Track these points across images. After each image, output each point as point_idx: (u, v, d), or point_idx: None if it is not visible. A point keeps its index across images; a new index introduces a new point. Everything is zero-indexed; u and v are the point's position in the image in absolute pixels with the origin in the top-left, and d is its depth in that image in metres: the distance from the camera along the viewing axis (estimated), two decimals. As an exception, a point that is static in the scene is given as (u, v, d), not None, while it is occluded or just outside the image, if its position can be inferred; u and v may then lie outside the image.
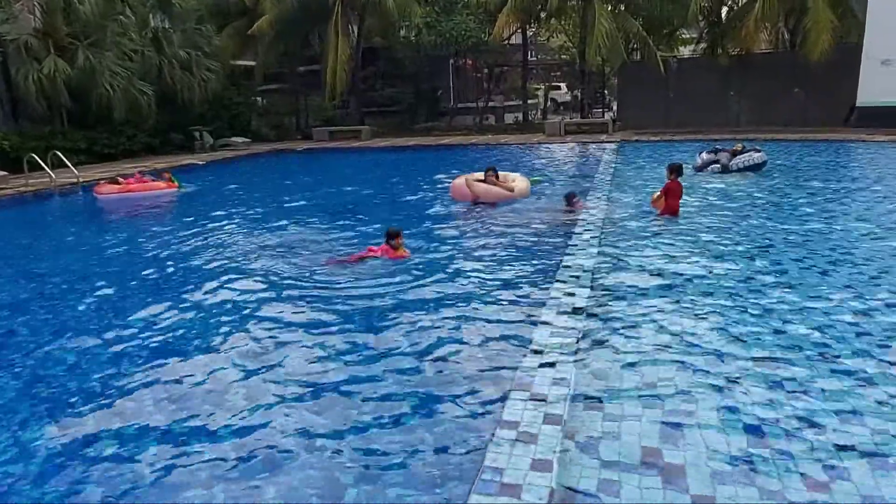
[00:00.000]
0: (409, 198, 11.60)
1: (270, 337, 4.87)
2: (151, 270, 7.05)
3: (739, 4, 23.11)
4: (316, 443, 3.39)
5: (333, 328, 5.02)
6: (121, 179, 12.50)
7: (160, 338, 4.97)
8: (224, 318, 5.35)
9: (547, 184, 11.77)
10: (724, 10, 24.11)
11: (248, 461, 3.24)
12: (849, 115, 19.36)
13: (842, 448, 3.04)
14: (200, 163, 17.34)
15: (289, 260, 7.07)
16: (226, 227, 9.10)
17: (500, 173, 10.22)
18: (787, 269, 6.01)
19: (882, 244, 6.83)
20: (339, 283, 6.11)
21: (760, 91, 21.19)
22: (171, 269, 7.07)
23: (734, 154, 12.20)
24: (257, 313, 5.42)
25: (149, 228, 9.56)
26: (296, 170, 17.69)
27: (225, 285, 6.24)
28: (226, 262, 7.16)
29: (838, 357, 4.03)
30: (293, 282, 6.29)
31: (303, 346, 4.68)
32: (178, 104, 19.87)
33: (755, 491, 2.75)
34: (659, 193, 8.40)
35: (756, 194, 10.08)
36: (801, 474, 2.85)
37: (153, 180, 12.78)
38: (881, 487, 2.75)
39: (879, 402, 3.45)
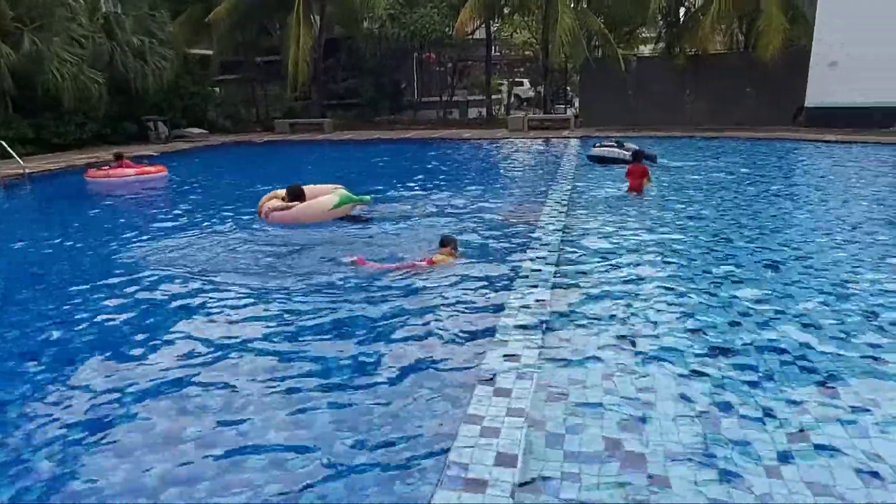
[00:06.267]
0: (379, 192, 11.51)
1: (228, 336, 4.76)
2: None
3: (696, 6, 23.65)
4: (275, 439, 3.34)
5: (290, 321, 4.95)
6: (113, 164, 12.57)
7: (97, 334, 4.81)
8: (165, 312, 5.21)
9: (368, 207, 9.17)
10: (682, 10, 24.64)
11: (208, 460, 3.17)
12: (797, 115, 20.05)
13: (791, 436, 3.15)
14: (155, 154, 16.83)
15: (238, 258, 6.92)
16: (174, 225, 8.85)
17: (313, 186, 8.74)
18: (742, 264, 6.20)
19: (826, 238, 7.11)
20: (307, 285, 6.01)
21: (715, 90, 21.76)
22: (110, 262, 6.85)
23: (620, 146, 13.68)
24: (209, 307, 5.30)
25: (101, 224, 9.25)
26: (255, 162, 17.34)
27: (171, 282, 6.08)
28: (168, 258, 6.97)
29: (789, 349, 4.17)
30: (249, 280, 6.17)
31: (262, 342, 4.59)
32: (130, 93, 19.23)
33: (706, 475, 2.83)
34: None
35: (700, 189, 10.37)
36: (756, 460, 2.95)
37: (145, 165, 12.81)
38: (828, 473, 2.85)
39: (830, 396, 3.58)
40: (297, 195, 8.34)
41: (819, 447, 3.05)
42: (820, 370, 3.85)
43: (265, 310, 5.25)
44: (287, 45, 21.23)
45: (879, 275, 5.70)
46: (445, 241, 6.45)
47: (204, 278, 6.10)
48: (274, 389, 3.86)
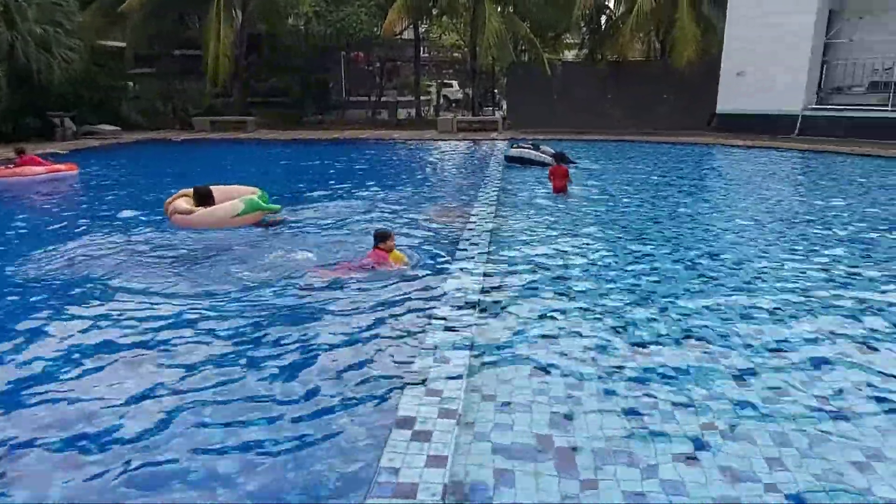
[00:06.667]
0: (306, 194, 11.24)
1: (138, 344, 4.51)
2: None
3: (617, 14, 24.61)
4: (198, 446, 3.18)
5: (213, 326, 4.74)
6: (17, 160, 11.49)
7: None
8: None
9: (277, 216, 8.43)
10: (604, 18, 25.56)
11: (132, 466, 2.97)
12: (710, 120, 21.24)
13: (705, 425, 3.31)
14: (62, 152, 15.74)
15: (149, 263, 6.58)
16: (79, 229, 8.27)
17: (228, 188, 8.24)
18: (661, 262, 6.47)
19: (736, 235, 7.56)
20: (226, 290, 5.78)
21: (634, 96, 22.71)
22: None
23: (536, 148, 14.23)
24: (114, 316, 5.00)
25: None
26: (173, 162, 16.56)
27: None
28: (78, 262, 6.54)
29: (705, 340, 4.39)
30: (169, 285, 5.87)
31: (188, 344, 4.37)
32: (34, 85, 17.90)
33: (636, 472, 2.92)
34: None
35: (617, 191, 10.80)
36: (673, 453, 3.07)
37: (52, 163, 11.85)
38: (739, 459, 3.02)
39: (743, 387, 3.79)
40: (204, 197, 7.78)
41: (733, 435, 3.22)
42: (733, 362, 4.06)
43: (177, 319, 4.93)
44: (207, 39, 20.40)
45: (784, 272, 6.10)
46: (382, 236, 6.12)
47: (110, 285, 5.74)
48: (188, 399, 3.67)
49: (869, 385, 3.77)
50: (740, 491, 2.79)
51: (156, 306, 5.19)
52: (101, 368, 4.07)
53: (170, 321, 4.87)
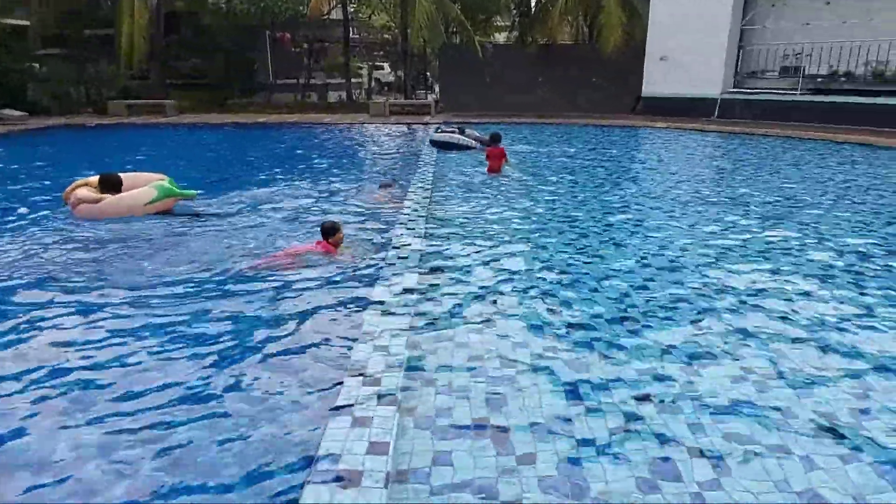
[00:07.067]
0: (231, 181, 10.83)
1: (49, 348, 4.24)
2: None
3: (545, -3, 24.92)
4: (129, 442, 3.02)
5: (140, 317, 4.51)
6: None
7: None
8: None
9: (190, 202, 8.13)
10: (533, 1, 25.83)
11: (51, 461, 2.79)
12: (636, 104, 21.94)
13: (639, 399, 3.44)
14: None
15: (55, 259, 6.19)
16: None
17: (136, 175, 7.87)
18: (593, 241, 6.65)
19: (663, 214, 7.86)
20: (147, 284, 5.50)
21: (563, 79, 23.14)
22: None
23: (462, 132, 14.32)
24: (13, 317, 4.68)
25: None
26: (87, 148, 15.58)
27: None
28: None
29: (635, 318, 4.55)
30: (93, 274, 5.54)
31: (119, 336, 4.14)
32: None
33: (568, 444, 3.00)
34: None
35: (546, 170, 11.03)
36: (609, 425, 3.17)
37: None
38: (669, 427, 3.15)
39: (669, 361, 3.95)
40: (111, 185, 7.27)
41: (661, 409, 3.36)
42: (660, 337, 4.23)
43: (85, 319, 4.63)
44: (120, 17, 19.24)
45: (707, 249, 6.40)
46: (330, 230, 5.93)
47: (10, 284, 5.36)
48: (111, 397, 3.49)
49: (785, 357, 4.02)
50: (669, 452, 2.93)
51: (70, 305, 4.88)
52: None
53: (88, 319, 4.59)
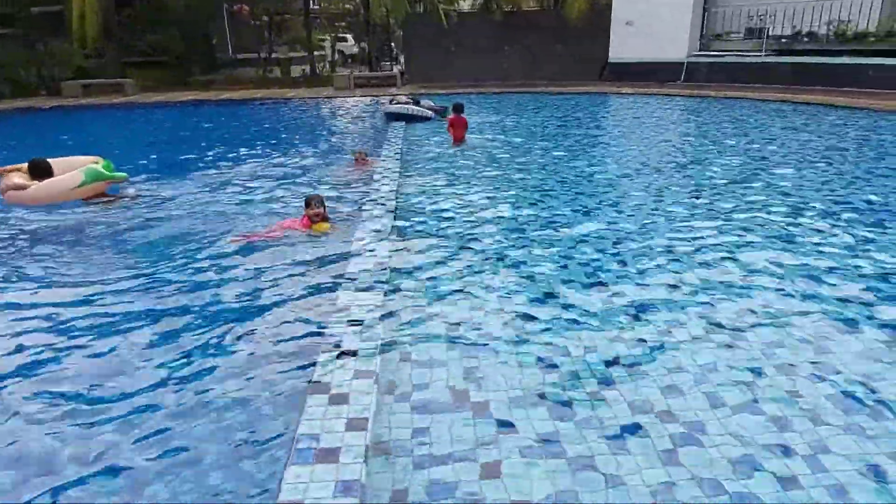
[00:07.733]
0: (193, 161, 10.57)
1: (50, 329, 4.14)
2: None
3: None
4: (108, 423, 2.99)
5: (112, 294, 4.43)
6: None
7: None
8: None
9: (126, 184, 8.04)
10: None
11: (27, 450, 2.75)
12: (602, 70, 21.91)
13: (609, 363, 3.51)
14: None
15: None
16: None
17: (70, 159, 7.55)
18: (562, 209, 6.69)
19: (631, 180, 7.94)
20: (112, 268, 5.38)
21: (529, 47, 22.93)
22: None
23: (416, 103, 14.18)
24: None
25: None
26: (42, 133, 15.01)
27: None
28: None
29: (606, 284, 4.62)
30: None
31: (95, 318, 4.06)
32: None
33: (545, 411, 3.06)
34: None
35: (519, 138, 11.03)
36: (587, 391, 3.24)
37: None
38: (640, 390, 3.23)
39: (641, 324, 4.03)
40: (41, 171, 7.08)
41: (632, 372, 3.43)
42: (634, 304, 4.30)
43: (36, 309, 4.55)
44: (69, -7, 18.42)
45: (679, 208, 6.49)
46: (307, 202, 5.97)
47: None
48: (88, 384, 3.43)
49: (752, 311, 4.13)
50: (640, 419, 3.00)
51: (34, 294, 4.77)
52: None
53: (39, 309, 4.49)
